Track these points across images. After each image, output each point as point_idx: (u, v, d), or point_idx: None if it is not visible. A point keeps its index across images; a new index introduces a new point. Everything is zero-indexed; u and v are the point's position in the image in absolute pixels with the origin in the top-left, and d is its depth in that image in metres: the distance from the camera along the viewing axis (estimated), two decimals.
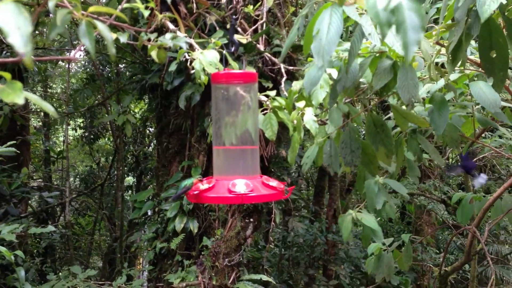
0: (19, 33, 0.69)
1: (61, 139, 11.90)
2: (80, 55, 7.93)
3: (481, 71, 1.77)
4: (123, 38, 1.68)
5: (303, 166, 2.03)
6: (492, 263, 3.47)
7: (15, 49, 0.68)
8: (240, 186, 1.45)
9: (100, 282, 5.08)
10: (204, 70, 1.93)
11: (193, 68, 2.04)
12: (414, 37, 0.89)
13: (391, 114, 2.22)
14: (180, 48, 1.94)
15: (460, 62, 1.46)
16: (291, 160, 2.05)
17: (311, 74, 1.47)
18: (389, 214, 3.21)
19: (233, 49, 1.67)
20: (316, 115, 2.02)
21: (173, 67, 2.65)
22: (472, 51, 1.94)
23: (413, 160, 2.05)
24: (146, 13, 1.75)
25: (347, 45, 1.49)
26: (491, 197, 2.85)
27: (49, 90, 9.77)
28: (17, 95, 0.72)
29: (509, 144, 3.31)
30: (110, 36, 0.91)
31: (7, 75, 0.75)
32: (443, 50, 1.72)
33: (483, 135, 3.44)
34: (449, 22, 1.54)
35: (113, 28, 1.83)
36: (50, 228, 4.26)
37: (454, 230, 4.14)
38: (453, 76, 1.79)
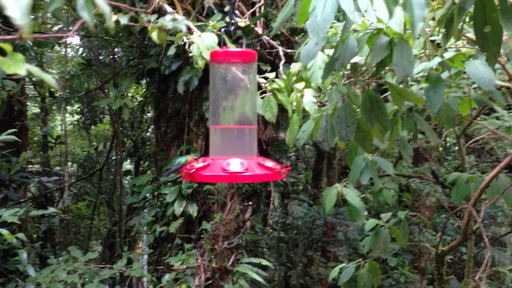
0: (17, 4, 0.69)
1: (59, 124, 11.90)
2: (77, 39, 7.89)
3: (477, 48, 1.78)
4: (124, 20, 1.68)
5: (299, 140, 2.04)
6: (489, 244, 3.50)
7: (14, 21, 0.69)
8: (235, 165, 1.44)
9: (101, 266, 5.12)
10: (201, 55, 1.94)
11: (191, 52, 2.04)
12: (420, 13, 0.90)
13: (387, 96, 2.23)
14: (179, 31, 1.94)
15: (453, 37, 1.47)
16: (289, 141, 2.06)
17: (308, 49, 1.47)
18: (386, 199, 3.25)
19: (232, 28, 1.67)
20: (315, 97, 2.03)
21: (171, 51, 2.64)
22: (469, 30, 1.94)
23: (409, 139, 2.07)
24: None
25: (343, 23, 1.50)
26: (487, 177, 2.87)
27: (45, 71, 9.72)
28: (18, 67, 0.73)
29: (505, 125, 3.32)
30: (108, 8, 0.91)
31: (8, 47, 0.75)
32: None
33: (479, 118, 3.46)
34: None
35: (113, 9, 1.83)
36: (51, 209, 4.28)
37: (450, 212, 4.18)
38: (448, 54, 1.80)
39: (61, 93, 7.71)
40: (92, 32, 6.28)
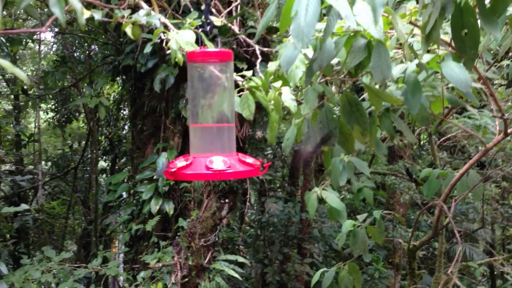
0: None
1: (32, 122, 11.70)
2: (51, 36, 7.77)
3: (452, 51, 1.83)
4: (98, 16, 1.68)
5: (284, 149, 2.07)
6: (460, 240, 3.60)
7: None
8: (218, 163, 1.47)
9: (75, 265, 5.06)
10: (180, 49, 1.94)
11: (168, 49, 2.05)
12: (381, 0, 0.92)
13: (365, 95, 2.27)
14: (155, 28, 1.95)
15: (433, 41, 1.51)
16: (271, 139, 2.08)
17: (288, 54, 1.50)
18: (367, 198, 3.31)
19: (208, 28, 1.69)
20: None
21: (148, 48, 2.64)
22: (443, 31, 2.00)
23: (384, 137, 2.11)
24: None
25: (322, 25, 1.52)
26: (457, 173, 2.95)
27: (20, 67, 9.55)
28: None
29: (476, 124, 3.41)
30: (79, 5, 0.92)
31: None
32: (416, 30, 1.77)
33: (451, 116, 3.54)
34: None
35: (87, 5, 1.83)
36: (24, 206, 4.21)
37: (423, 208, 4.27)
38: (426, 57, 1.85)
39: (35, 90, 7.60)
40: (65, 28, 6.20)
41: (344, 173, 2.42)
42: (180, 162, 1.53)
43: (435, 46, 1.72)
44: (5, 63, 0.78)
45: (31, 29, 6.64)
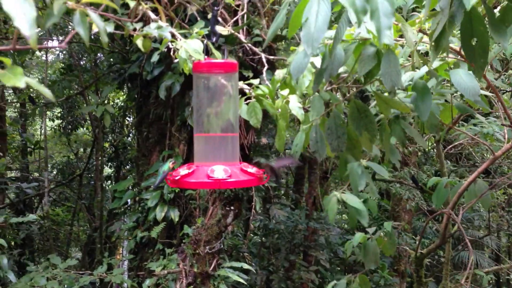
0: (24, 18, 0.73)
1: (38, 129, 11.76)
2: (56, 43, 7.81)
3: (460, 59, 1.83)
4: (110, 28, 1.70)
5: (294, 154, 2.08)
6: (467, 247, 3.58)
7: (21, 32, 0.72)
8: (219, 172, 1.50)
9: (81, 272, 5.07)
10: (190, 57, 1.96)
11: (176, 58, 2.06)
12: (387, 22, 0.94)
13: (371, 103, 2.28)
14: (164, 38, 1.96)
15: (442, 50, 1.51)
16: (280, 147, 2.09)
17: (298, 61, 1.50)
18: (372, 209, 3.31)
19: (214, 39, 1.71)
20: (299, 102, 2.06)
21: (155, 57, 2.66)
22: (452, 39, 2.00)
23: (397, 145, 2.11)
24: (132, 3, 1.77)
25: (331, 32, 1.53)
26: (465, 182, 2.95)
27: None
28: (18, 80, 0.75)
29: (483, 132, 3.41)
30: (102, 25, 0.93)
31: (7, 61, 0.77)
32: (425, 38, 1.77)
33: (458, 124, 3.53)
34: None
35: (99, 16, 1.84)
36: (32, 216, 4.24)
37: (429, 216, 4.26)
38: (435, 64, 1.85)
39: (41, 98, 7.64)
40: (87, 42, 6.24)
41: (362, 177, 2.41)
42: (183, 170, 1.56)
43: (445, 54, 1.73)
44: (32, 82, 0.80)
45: (48, 43, 6.73)
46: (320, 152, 1.88)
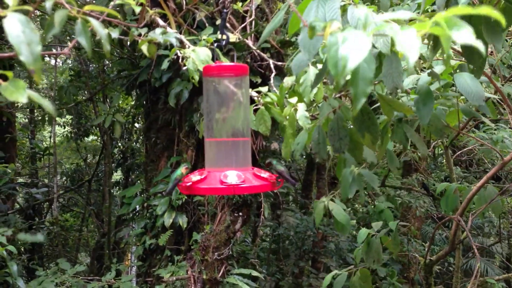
0: (29, 51, 0.74)
1: (48, 135, 11.82)
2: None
3: (463, 60, 1.82)
4: (115, 34, 1.70)
5: (295, 152, 2.07)
6: (478, 254, 3.55)
7: (26, 65, 0.73)
8: (232, 177, 1.47)
9: (89, 278, 5.08)
10: (197, 70, 1.96)
11: (185, 65, 2.07)
12: (364, 89, 0.91)
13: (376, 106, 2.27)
14: (171, 44, 1.96)
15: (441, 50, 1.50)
16: (286, 154, 2.08)
17: (299, 59, 1.49)
18: (387, 219, 3.29)
19: (223, 43, 1.70)
20: (306, 110, 2.05)
21: (165, 65, 2.66)
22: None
23: (400, 151, 2.10)
24: (138, 9, 1.77)
25: None
26: (474, 187, 2.92)
27: (34, 86, 9.70)
28: (20, 94, 0.75)
29: (492, 138, 3.38)
30: (104, 33, 0.93)
31: (9, 74, 0.77)
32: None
33: (466, 128, 3.51)
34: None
35: (104, 22, 1.85)
36: (39, 237, 4.25)
37: (438, 222, 4.22)
38: (438, 68, 1.84)
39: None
40: (90, 52, 6.29)
41: (353, 185, 2.41)
42: (195, 177, 1.53)
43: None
44: (34, 95, 0.80)
45: (53, 50, 6.78)
46: (321, 153, 1.86)
